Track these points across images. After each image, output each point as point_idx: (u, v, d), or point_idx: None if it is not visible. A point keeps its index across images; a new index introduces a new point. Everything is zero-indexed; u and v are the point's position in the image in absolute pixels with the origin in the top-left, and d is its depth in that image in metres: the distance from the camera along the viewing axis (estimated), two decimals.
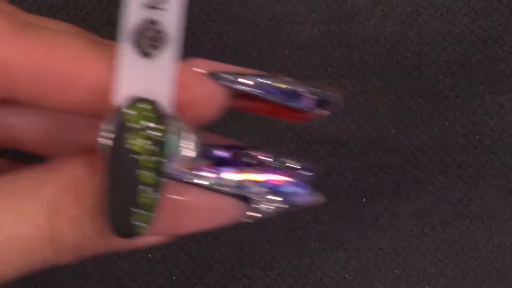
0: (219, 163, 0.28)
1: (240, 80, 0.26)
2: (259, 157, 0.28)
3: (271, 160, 0.28)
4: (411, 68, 0.34)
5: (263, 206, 0.27)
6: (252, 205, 0.27)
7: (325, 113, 0.27)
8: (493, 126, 0.35)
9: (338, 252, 0.35)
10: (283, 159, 0.28)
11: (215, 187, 0.26)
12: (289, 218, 0.35)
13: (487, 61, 0.35)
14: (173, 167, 0.25)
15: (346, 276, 0.35)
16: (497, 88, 0.35)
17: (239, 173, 0.26)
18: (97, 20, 0.33)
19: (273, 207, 0.27)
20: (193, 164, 0.26)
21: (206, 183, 0.26)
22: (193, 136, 0.26)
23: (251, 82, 0.27)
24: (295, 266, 0.35)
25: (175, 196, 0.26)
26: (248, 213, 0.27)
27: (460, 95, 0.35)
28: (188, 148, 0.26)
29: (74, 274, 0.34)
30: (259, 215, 0.27)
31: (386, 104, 0.35)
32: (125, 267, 0.34)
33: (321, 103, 0.27)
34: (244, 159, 0.28)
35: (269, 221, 0.35)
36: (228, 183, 0.26)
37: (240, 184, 0.26)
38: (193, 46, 0.34)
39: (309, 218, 0.35)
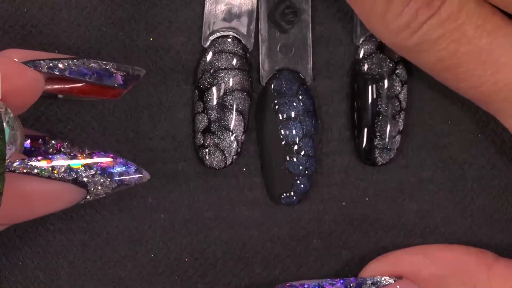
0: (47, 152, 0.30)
1: (57, 65, 0.28)
2: (58, 146, 0.30)
3: (69, 149, 0.30)
4: (413, 67, 0.34)
5: (91, 186, 0.28)
6: (89, 188, 0.28)
7: (130, 87, 0.29)
8: (495, 126, 0.35)
9: (340, 251, 0.35)
10: (77, 148, 0.31)
11: (51, 174, 0.27)
12: (291, 217, 0.35)
13: None
14: (9, 157, 0.26)
15: (349, 275, 0.35)
16: None
17: (70, 159, 0.28)
18: (99, 20, 0.33)
19: (101, 188, 0.28)
20: (17, 154, 0.28)
21: (45, 172, 0.27)
22: (20, 125, 0.27)
23: (67, 66, 0.28)
24: (297, 265, 0.35)
25: (15, 186, 0.26)
26: (87, 196, 0.28)
27: None
28: (18, 137, 0.27)
29: (77, 274, 0.34)
30: (89, 197, 0.28)
31: None
32: (127, 266, 0.34)
33: (127, 79, 0.29)
34: (43, 148, 0.30)
35: (271, 220, 0.35)
36: (61, 169, 0.27)
37: (73, 169, 0.27)
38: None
39: (311, 217, 0.35)
